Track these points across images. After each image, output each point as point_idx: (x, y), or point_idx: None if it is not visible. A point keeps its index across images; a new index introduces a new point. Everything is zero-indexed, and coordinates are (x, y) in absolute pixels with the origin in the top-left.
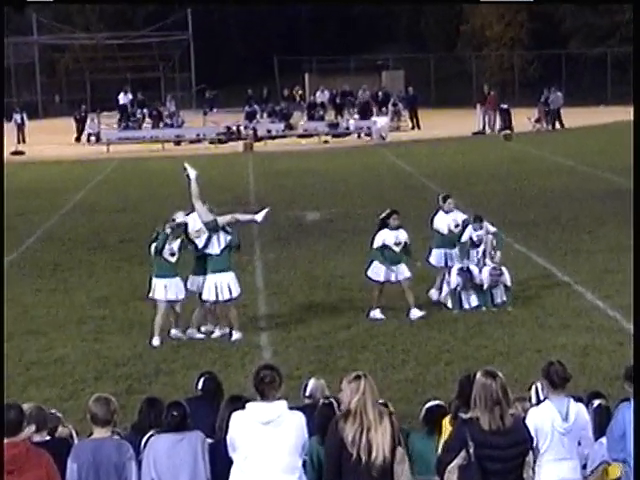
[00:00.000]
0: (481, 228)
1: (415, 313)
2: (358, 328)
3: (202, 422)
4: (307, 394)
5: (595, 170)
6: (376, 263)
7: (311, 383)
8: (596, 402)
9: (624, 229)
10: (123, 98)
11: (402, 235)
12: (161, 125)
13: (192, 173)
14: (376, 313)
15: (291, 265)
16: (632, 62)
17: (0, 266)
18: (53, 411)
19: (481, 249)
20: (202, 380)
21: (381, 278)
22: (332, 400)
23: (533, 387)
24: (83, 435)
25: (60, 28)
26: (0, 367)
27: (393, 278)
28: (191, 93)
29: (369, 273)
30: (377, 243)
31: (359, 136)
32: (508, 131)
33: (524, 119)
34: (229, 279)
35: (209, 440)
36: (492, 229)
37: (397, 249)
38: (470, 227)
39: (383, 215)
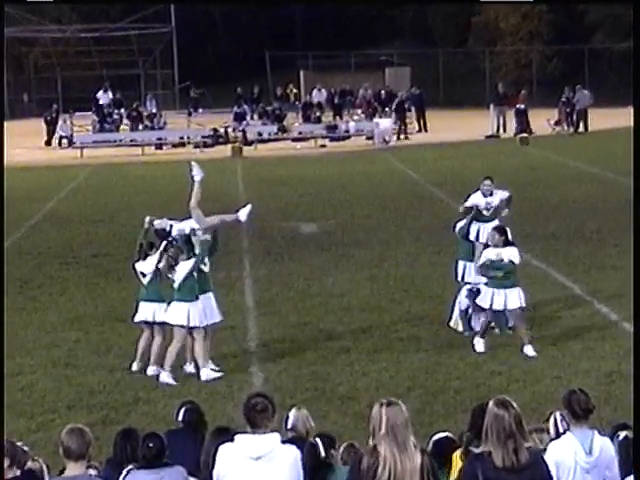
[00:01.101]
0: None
1: (528, 351)
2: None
3: (184, 457)
4: (289, 426)
5: (622, 178)
6: (484, 288)
7: (292, 414)
8: (622, 434)
9: None
10: (103, 97)
11: (506, 252)
12: (140, 127)
13: (198, 175)
14: (529, 350)
15: (284, 282)
16: (632, 63)
17: (0, 263)
18: (19, 444)
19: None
20: (182, 410)
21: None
22: (317, 440)
23: (552, 417)
24: (54, 471)
25: (29, 19)
26: (0, 368)
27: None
28: (174, 92)
29: (477, 301)
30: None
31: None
32: (525, 134)
33: (543, 121)
34: (212, 300)
35: (192, 478)
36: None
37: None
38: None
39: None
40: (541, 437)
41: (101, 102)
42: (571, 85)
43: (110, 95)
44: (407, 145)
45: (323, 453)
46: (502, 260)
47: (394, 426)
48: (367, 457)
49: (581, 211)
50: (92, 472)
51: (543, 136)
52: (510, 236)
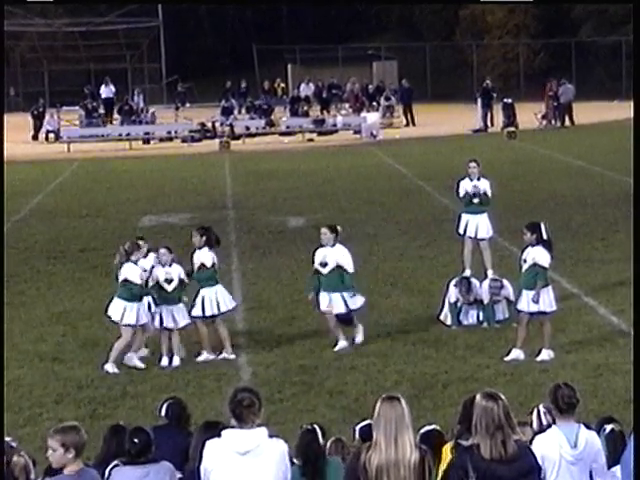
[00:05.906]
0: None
1: (545, 355)
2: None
3: (169, 452)
4: None
5: (608, 172)
6: (526, 292)
7: None
8: (609, 427)
9: None
10: (105, 91)
11: (532, 252)
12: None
13: None
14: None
15: (272, 276)
16: (632, 62)
17: (0, 262)
18: (8, 439)
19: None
20: (165, 406)
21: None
22: (315, 426)
23: (535, 410)
24: (41, 466)
25: (14, 13)
26: (0, 368)
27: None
28: (161, 86)
29: (519, 306)
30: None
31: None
32: (512, 128)
33: (530, 115)
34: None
35: (179, 474)
36: None
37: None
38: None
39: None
40: (524, 430)
41: (104, 96)
42: (556, 79)
43: (112, 88)
44: (395, 139)
45: (322, 440)
46: (525, 261)
47: (385, 421)
48: (365, 449)
49: (568, 205)
50: (88, 469)
51: (530, 130)
52: (545, 233)
